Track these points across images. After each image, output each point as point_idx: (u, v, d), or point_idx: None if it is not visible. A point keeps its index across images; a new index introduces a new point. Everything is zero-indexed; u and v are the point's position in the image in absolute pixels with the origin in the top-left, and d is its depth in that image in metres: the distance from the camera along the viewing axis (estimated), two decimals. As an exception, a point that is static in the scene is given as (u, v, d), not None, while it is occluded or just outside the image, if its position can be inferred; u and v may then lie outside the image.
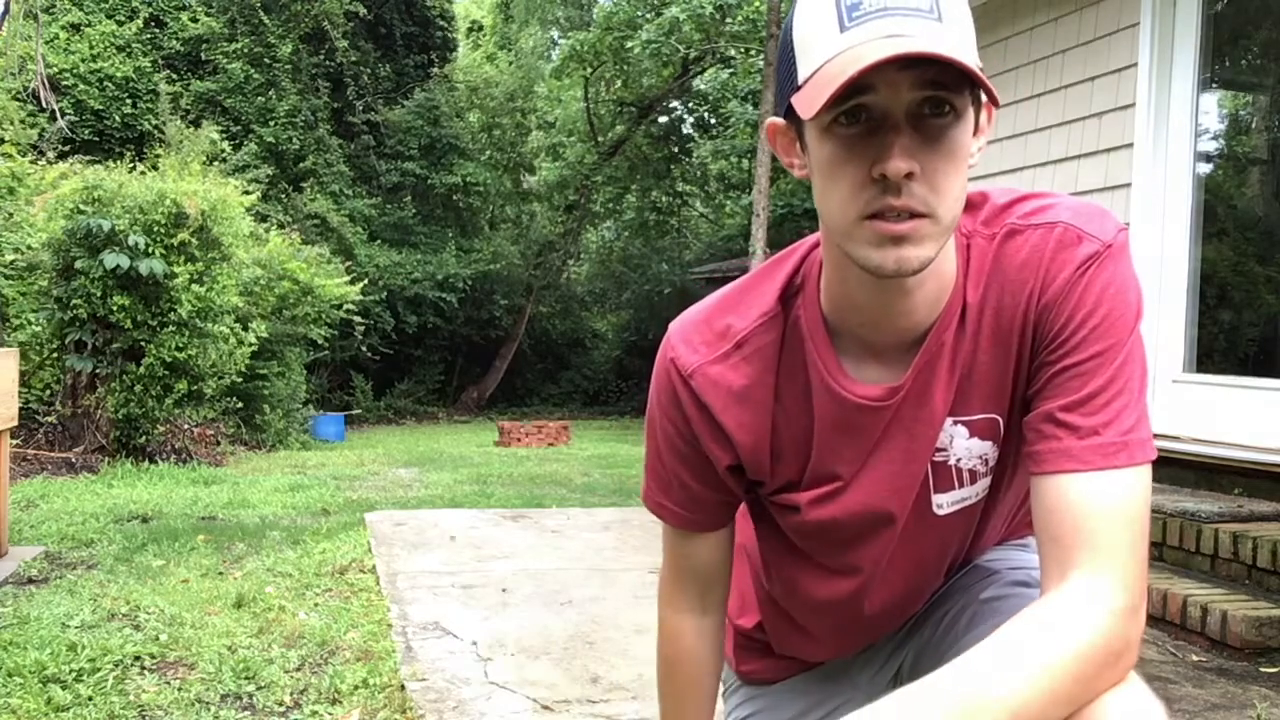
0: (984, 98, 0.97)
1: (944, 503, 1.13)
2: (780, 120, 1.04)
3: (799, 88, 0.95)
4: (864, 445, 1.10)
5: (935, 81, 0.90)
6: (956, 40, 0.91)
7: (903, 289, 1.02)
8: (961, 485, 1.12)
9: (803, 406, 1.11)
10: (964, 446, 1.10)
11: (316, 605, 3.53)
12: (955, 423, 1.09)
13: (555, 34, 21.56)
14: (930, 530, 1.14)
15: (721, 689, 1.43)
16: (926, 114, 0.92)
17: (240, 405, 9.39)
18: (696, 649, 1.26)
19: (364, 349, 14.89)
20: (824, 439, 1.11)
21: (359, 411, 15.83)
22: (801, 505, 1.15)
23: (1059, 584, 0.95)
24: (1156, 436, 3.50)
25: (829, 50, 0.92)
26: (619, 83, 18.75)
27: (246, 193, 8.96)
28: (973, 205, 1.08)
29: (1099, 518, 0.95)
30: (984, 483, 1.12)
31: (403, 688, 2.64)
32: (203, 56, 15.79)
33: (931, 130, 0.93)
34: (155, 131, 13.41)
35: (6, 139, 9.61)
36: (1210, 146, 4.87)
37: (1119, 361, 0.99)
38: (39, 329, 7.67)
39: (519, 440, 11.58)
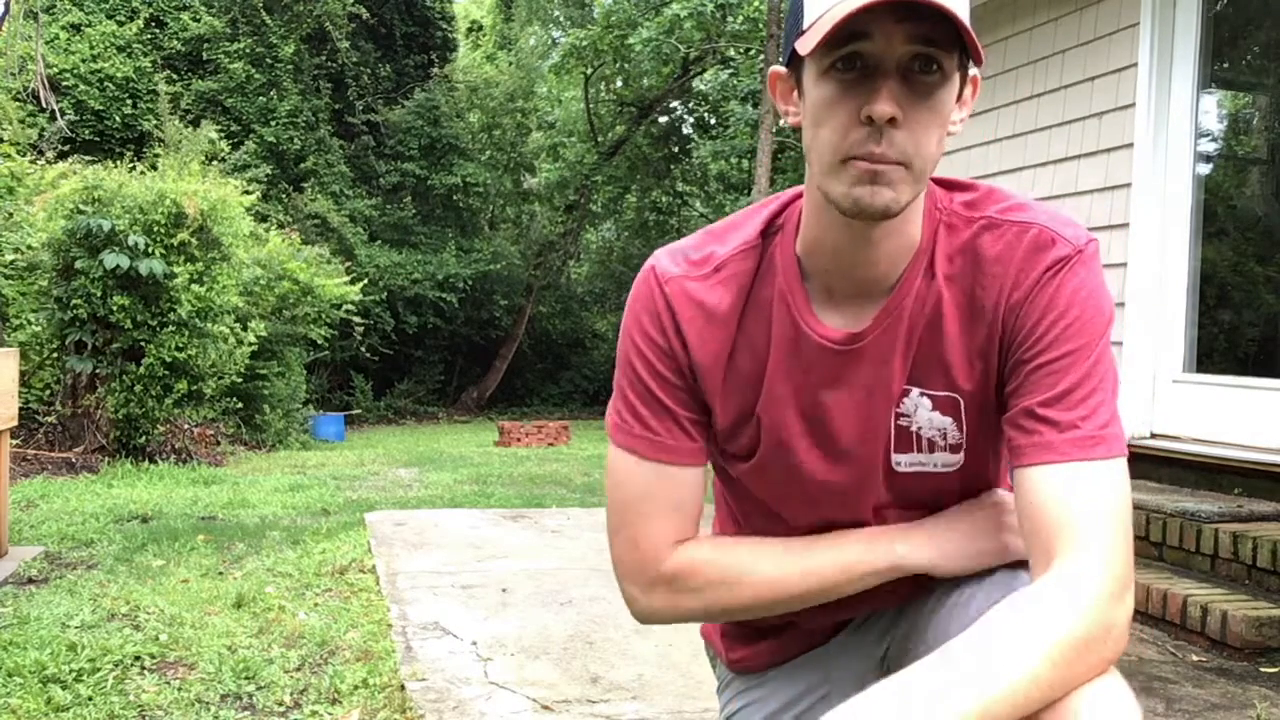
0: (972, 71, 1.04)
1: (902, 461, 1.17)
2: (782, 69, 1.12)
3: (803, 32, 1.02)
4: (815, 389, 1.14)
5: (928, 38, 0.97)
6: (954, 4, 0.97)
7: (870, 238, 1.08)
8: (919, 450, 1.17)
9: (763, 339, 1.16)
10: (926, 417, 1.15)
11: (316, 605, 3.53)
12: (922, 394, 1.14)
13: (556, 34, 21.55)
14: (892, 481, 1.18)
15: (716, 686, 1.44)
16: (916, 70, 0.99)
17: (240, 405, 9.39)
18: (717, 547, 1.19)
19: (364, 349, 14.89)
20: (776, 373, 1.15)
21: (359, 411, 15.83)
22: (756, 452, 1.19)
23: (1043, 572, 0.99)
24: (1156, 436, 3.52)
25: None
26: (619, 82, 18.75)
27: (246, 193, 8.96)
28: (957, 186, 1.15)
29: (1080, 507, 0.99)
30: (943, 456, 1.16)
31: (403, 688, 2.64)
32: (204, 56, 15.78)
33: (919, 86, 0.99)
34: (155, 131, 13.40)
35: (6, 139, 9.60)
36: (1210, 146, 4.86)
37: (1092, 359, 1.04)
38: (39, 329, 7.67)
39: (519, 440, 11.58)
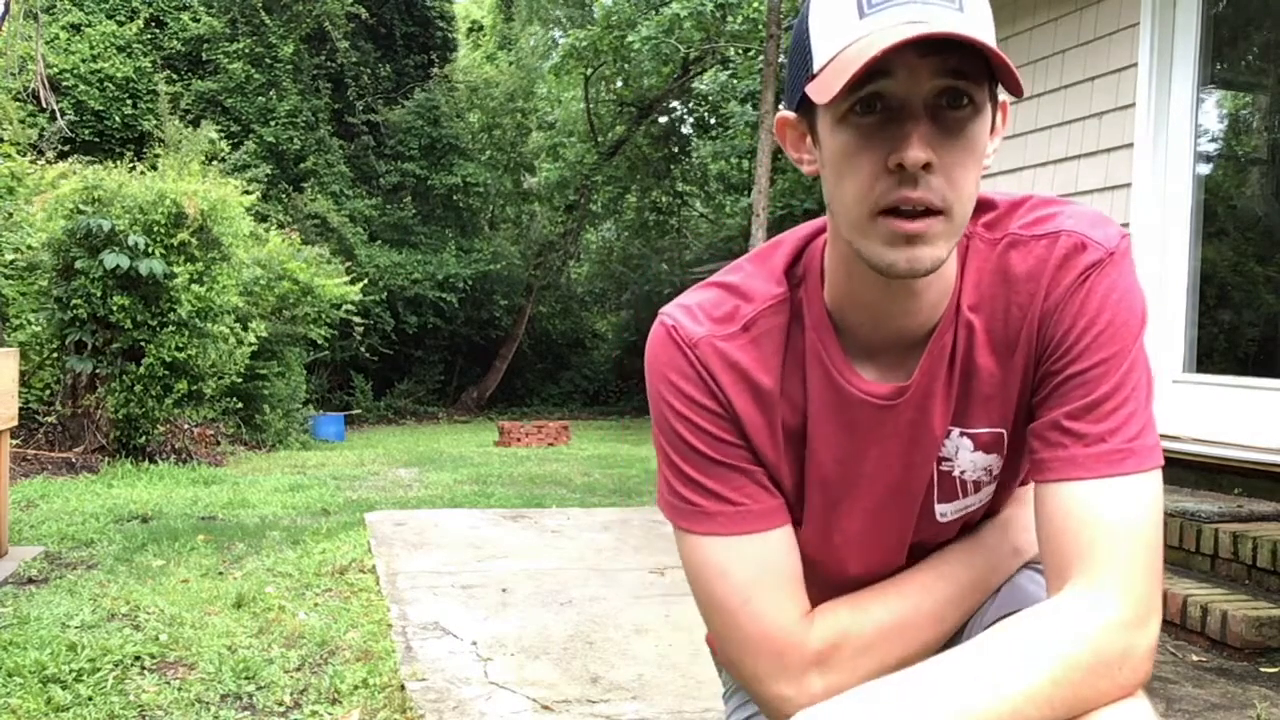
0: (1001, 96, 0.96)
1: (947, 511, 1.12)
2: (791, 114, 1.03)
3: (814, 75, 0.93)
4: (860, 448, 1.07)
5: (956, 70, 0.89)
6: (979, 31, 0.90)
7: (910, 290, 1.00)
8: (965, 495, 1.11)
9: (801, 397, 1.07)
10: (969, 459, 1.08)
11: (316, 605, 3.53)
12: (962, 434, 1.07)
13: (556, 33, 21.55)
14: (931, 532, 1.14)
15: (721, 691, 1.42)
16: (945, 106, 0.90)
17: (240, 405, 9.39)
18: (847, 607, 1.08)
19: (364, 349, 14.89)
20: (819, 435, 1.07)
21: (359, 411, 15.82)
22: (802, 523, 1.11)
23: (1055, 592, 0.94)
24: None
25: (847, 36, 0.91)
26: (619, 82, 18.75)
27: (246, 193, 8.96)
28: (976, 206, 1.06)
29: (1101, 526, 0.93)
30: (988, 489, 1.12)
31: (403, 688, 2.64)
32: (203, 56, 15.78)
33: (949, 123, 0.91)
34: (155, 131, 13.40)
35: (6, 139, 9.60)
36: (1210, 146, 4.86)
37: (1125, 368, 0.97)
38: (39, 329, 7.67)
39: (519, 440, 11.57)
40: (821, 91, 0.90)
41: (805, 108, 0.98)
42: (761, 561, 1.04)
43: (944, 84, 0.89)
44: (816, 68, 0.93)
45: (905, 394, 1.04)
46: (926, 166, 0.89)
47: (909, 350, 1.05)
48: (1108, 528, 0.93)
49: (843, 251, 1.01)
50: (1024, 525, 1.14)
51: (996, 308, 1.03)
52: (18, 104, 11.11)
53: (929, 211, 0.91)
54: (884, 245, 0.93)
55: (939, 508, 1.10)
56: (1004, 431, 1.07)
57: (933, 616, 1.07)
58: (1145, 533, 0.94)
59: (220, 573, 4.03)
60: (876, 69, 0.87)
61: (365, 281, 13.19)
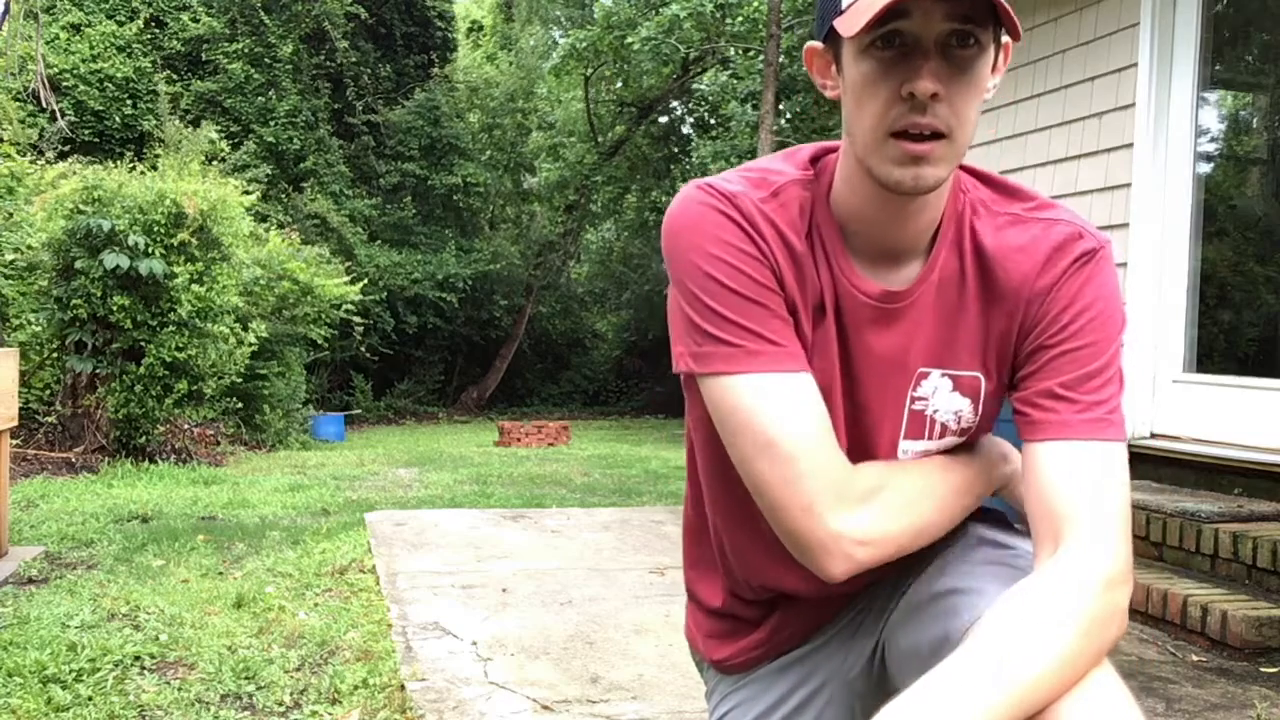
0: (1003, 38, 1.07)
1: (909, 450, 1.18)
2: (819, 44, 1.14)
3: (842, 11, 1.04)
4: (849, 346, 1.13)
5: (965, 15, 1.00)
6: None
7: (906, 211, 1.10)
8: (930, 437, 1.17)
9: (825, 277, 1.14)
10: (945, 399, 1.16)
11: (316, 605, 3.53)
12: (943, 375, 1.15)
13: (556, 33, 21.54)
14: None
15: (705, 691, 1.43)
16: (954, 44, 1.02)
17: (240, 405, 9.38)
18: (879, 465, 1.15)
19: (364, 349, 14.89)
20: (821, 319, 1.14)
21: (359, 411, 15.82)
22: None
23: (1053, 549, 1.02)
24: (1156, 436, 3.54)
25: None
26: (619, 82, 18.74)
27: (246, 193, 8.95)
28: (984, 176, 1.18)
29: (1093, 482, 1.03)
30: (951, 440, 1.18)
31: (403, 688, 2.64)
32: (203, 57, 15.78)
33: (957, 60, 1.02)
34: (155, 131, 13.39)
35: (6, 139, 9.60)
36: (1210, 146, 4.87)
37: (1111, 352, 1.09)
38: (39, 329, 7.67)
39: (519, 440, 11.57)
40: (848, 26, 1.02)
41: (832, 39, 1.10)
42: (812, 399, 1.08)
43: (954, 26, 1.01)
44: (844, 4, 1.04)
45: (895, 302, 1.13)
46: (934, 96, 1.01)
47: (899, 266, 1.14)
48: (1100, 485, 1.03)
49: (851, 169, 1.11)
50: (1003, 443, 1.24)
51: (990, 267, 1.14)
52: (18, 104, 11.11)
53: (935, 135, 1.03)
54: (893, 164, 1.04)
55: (903, 444, 1.17)
56: (981, 378, 1.15)
57: (944, 498, 1.13)
58: (1125, 498, 1.05)
59: (220, 573, 4.03)
60: (896, 10, 0.99)
61: (365, 281, 13.19)
